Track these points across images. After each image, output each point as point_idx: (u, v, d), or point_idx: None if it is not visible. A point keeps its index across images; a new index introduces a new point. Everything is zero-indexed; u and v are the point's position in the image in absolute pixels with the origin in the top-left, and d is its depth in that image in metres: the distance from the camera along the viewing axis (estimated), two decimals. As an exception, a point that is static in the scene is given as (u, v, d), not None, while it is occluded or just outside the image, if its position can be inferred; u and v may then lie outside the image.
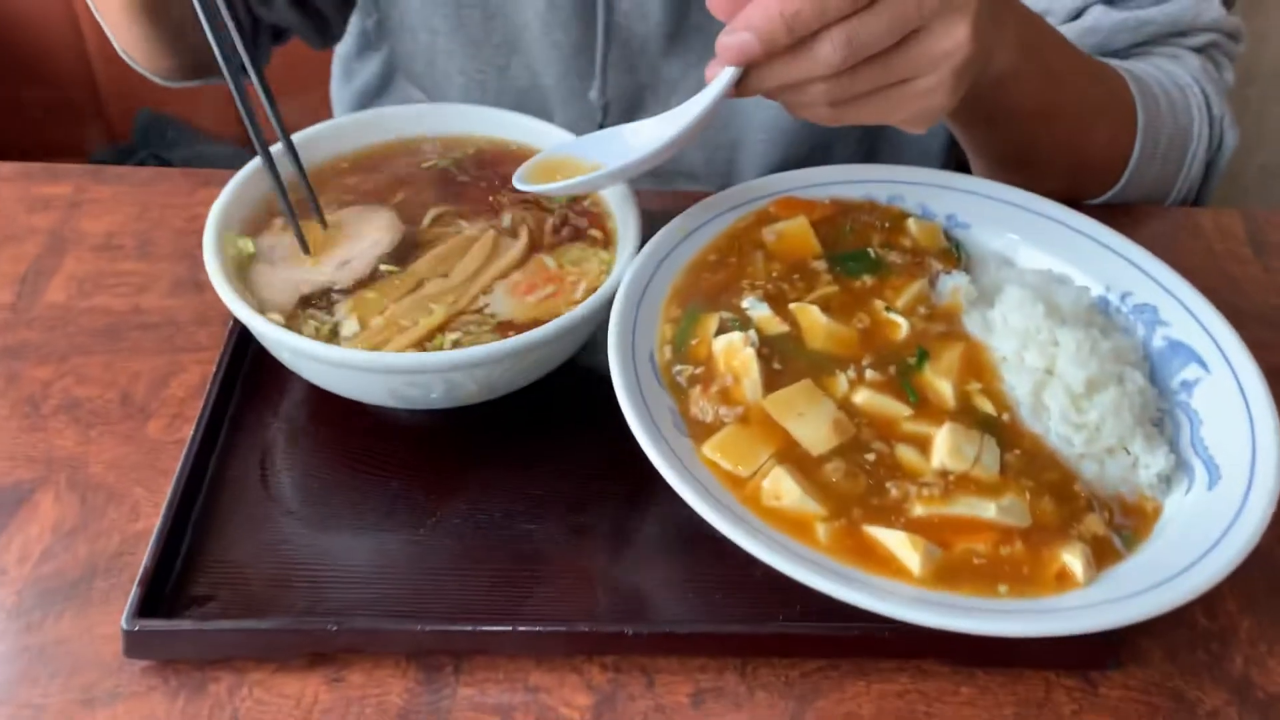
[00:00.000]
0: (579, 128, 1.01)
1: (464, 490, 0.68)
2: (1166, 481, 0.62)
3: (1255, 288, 0.89)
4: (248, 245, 0.71)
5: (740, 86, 0.65)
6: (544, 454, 0.70)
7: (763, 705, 0.60)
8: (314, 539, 0.65)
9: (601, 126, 0.99)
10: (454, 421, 0.72)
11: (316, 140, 0.77)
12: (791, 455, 0.59)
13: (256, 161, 0.71)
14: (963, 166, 1.00)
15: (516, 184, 0.68)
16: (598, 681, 0.61)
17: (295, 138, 0.74)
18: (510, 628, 0.60)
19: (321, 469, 0.69)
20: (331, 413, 0.72)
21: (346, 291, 0.69)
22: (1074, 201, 0.93)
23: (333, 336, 0.66)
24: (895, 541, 0.55)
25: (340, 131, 0.79)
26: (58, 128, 1.64)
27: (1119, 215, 0.95)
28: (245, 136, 0.75)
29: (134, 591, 0.60)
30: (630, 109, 0.99)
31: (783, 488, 0.57)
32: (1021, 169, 0.86)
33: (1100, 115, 0.87)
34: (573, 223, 0.74)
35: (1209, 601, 0.66)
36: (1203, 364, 0.66)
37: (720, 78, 0.64)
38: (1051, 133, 0.85)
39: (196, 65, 0.97)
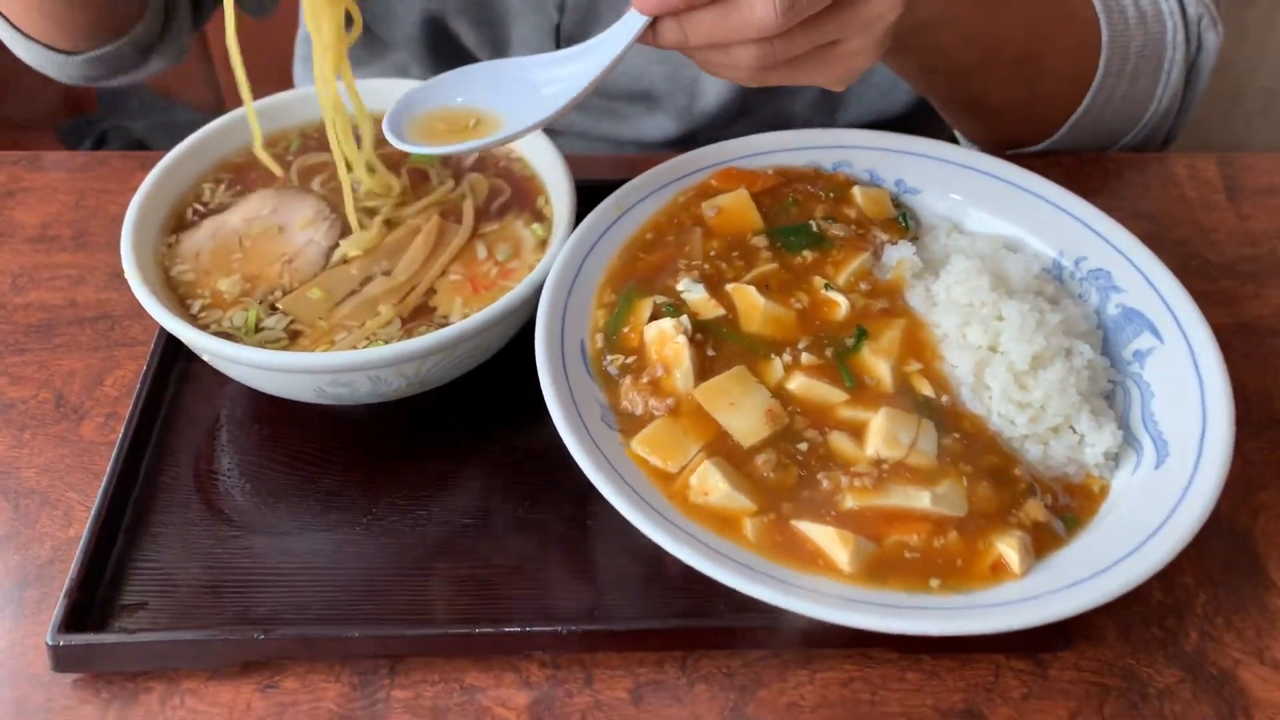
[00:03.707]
0: (534, 40, 0.95)
1: (401, 486, 0.67)
2: (1115, 459, 0.60)
3: (1227, 238, 0.86)
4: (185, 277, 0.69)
5: (662, 39, 0.60)
6: (483, 445, 0.68)
7: (703, 698, 0.59)
8: (247, 541, 0.64)
9: (557, 40, 0.93)
10: (393, 414, 0.70)
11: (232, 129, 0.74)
12: (722, 448, 0.57)
13: (168, 159, 0.70)
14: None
15: (392, 140, 0.61)
16: (536, 679, 0.60)
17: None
18: (441, 630, 0.58)
19: (256, 468, 0.68)
20: (266, 409, 0.70)
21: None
22: (1039, 144, 0.89)
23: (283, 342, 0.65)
24: (824, 537, 0.53)
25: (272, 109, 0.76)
26: (19, 98, 1.61)
27: (1090, 165, 0.92)
28: (213, 102, 0.72)
29: (59, 604, 0.59)
30: (585, 19, 0.93)
31: (710, 483, 0.55)
32: (972, 108, 0.82)
33: (1050, 41, 0.82)
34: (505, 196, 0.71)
35: (1165, 575, 0.63)
36: (1156, 333, 0.63)
37: (626, 25, 0.59)
38: (996, 66, 0.81)
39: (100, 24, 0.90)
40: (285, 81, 1.18)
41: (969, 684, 0.60)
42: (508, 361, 0.69)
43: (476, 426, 0.69)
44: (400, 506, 0.66)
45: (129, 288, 0.79)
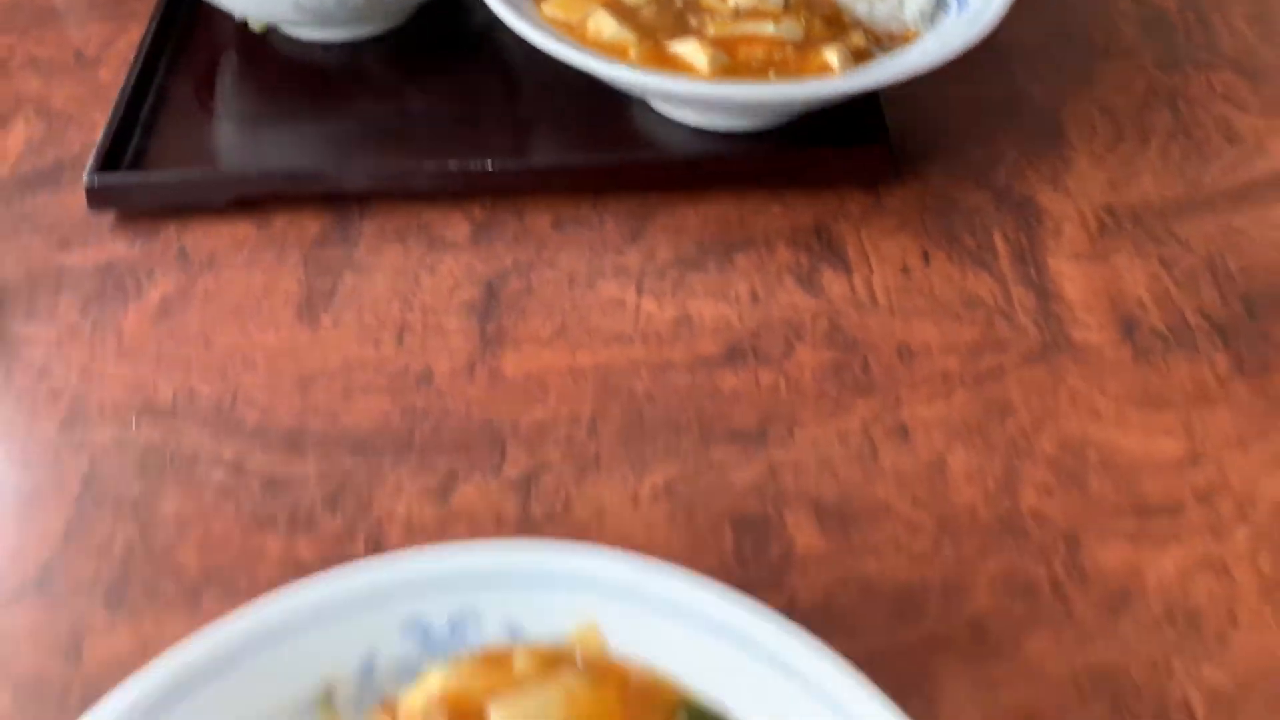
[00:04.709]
0: None
1: (374, 94, 0.82)
2: (930, 20, 0.75)
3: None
4: None
5: None
6: (441, 75, 0.83)
7: (610, 226, 0.75)
8: (242, 134, 0.80)
9: None
10: (362, 57, 0.85)
11: None
12: (615, 8, 0.72)
13: None
14: None
15: None
16: (477, 216, 0.75)
17: None
18: (399, 166, 0.74)
19: (247, 91, 0.83)
20: (255, 54, 0.85)
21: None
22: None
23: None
24: (689, 49, 0.68)
25: None
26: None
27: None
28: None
29: (92, 157, 0.74)
30: None
31: (604, 25, 0.70)
32: None
33: None
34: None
35: (984, 139, 0.80)
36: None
37: None
38: None
39: None
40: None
41: (818, 210, 0.75)
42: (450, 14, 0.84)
43: (434, 63, 0.84)
44: (371, 106, 0.81)
45: (132, -19, 0.94)
